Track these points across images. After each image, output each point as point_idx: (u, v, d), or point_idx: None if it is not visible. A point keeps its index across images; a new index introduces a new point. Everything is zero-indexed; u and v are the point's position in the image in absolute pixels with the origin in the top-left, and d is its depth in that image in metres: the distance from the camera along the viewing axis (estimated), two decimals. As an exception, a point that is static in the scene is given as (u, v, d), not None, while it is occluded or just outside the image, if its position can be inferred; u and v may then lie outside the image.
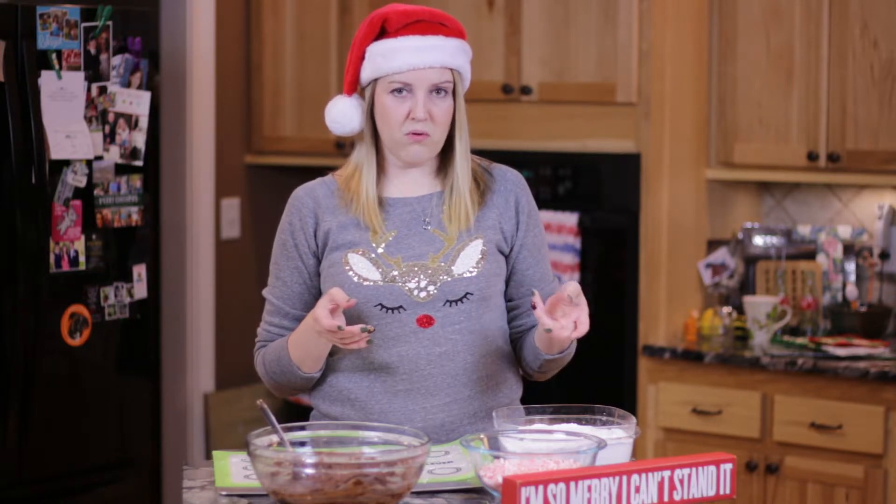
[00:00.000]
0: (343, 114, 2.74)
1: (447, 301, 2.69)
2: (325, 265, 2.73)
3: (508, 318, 2.81)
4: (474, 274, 2.70)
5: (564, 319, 2.54)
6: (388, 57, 2.67)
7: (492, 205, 2.77)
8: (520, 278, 2.79)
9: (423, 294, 2.68)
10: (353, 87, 2.74)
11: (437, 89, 2.68)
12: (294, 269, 2.76)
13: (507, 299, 2.81)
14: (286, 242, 2.77)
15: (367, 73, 2.71)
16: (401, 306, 2.68)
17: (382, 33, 2.69)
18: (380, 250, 2.70)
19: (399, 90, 2.67)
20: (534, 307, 2.56)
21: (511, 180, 2.80)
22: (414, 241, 2.71)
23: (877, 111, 4.41)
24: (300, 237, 2.75)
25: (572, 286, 2.54)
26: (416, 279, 2.68)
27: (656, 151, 4.52)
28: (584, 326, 2.54)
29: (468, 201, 2.73)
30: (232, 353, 5.28)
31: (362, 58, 2.71)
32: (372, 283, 2.68)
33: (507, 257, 2.78)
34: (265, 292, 2.81)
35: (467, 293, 2.69)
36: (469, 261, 2.71)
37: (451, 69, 2.69)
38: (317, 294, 2.76)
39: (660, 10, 4.49)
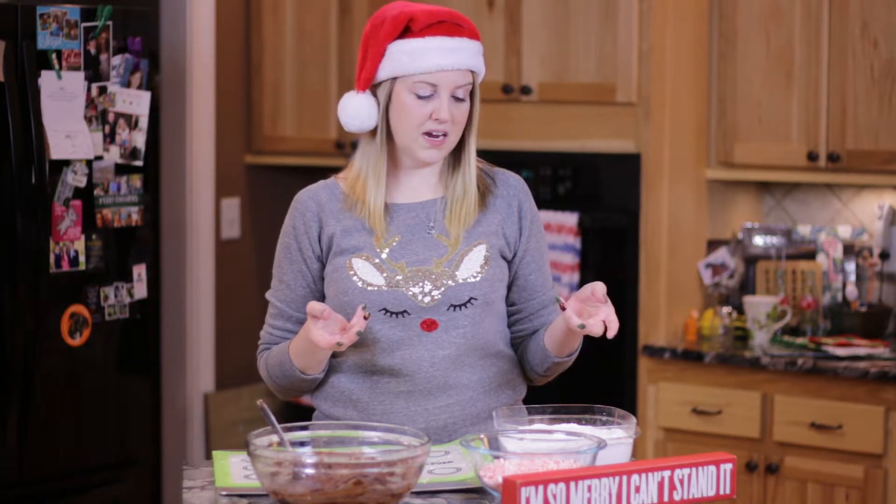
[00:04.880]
0: (360, 109, 2.71)
1: (451, 306, 2.68)
2: (330, 269, 2.73)
3: (509, 323, 2.81)
4: (478, 279, 2.70)
5: (593, 318, 2.55)
6: (416, 57, 2.65)
7: (494, 210, 2.77)
8: (522, 283, 2.80)
9: (427, 299, 2.68)
10: (368, 83, 2.72)
11: (458, 91, 2.68)
12: (298, 272, 2.76)
13: (509, 304, 2.81)
14: (290, 246, 2.76)
15: (386, 71, 2.69)
16: (405, 311, 2.67)
17: (406, 32, 2.68)
18: (384, 255, 2.70)
19: (423, 90, 2.66)
20: (563, 309, 2.56)
21: (514, 185, 2.80)
22: (418, 247, 2.71)
23: (877, 111, 4.41)
24: (304, 241, 2.75)
25: (600, 286, 2.54)
26: (420, 284, 2.68)
27: (656, 151, 4.52)
28: (614, 325, 2.55)
29: (472, 205, 2.73)
30: (232, 353, 5.28)
31: (382, 55, 2.70)
32: (376, 288, 2.68)
33: (509, 263, 2.78)
34: (268, 295, 2.81)
35: (471, 298, 2.69)
36: (473, 266, 2.71)
37: (472, 71, 2.69)
38: (320, 298, 2.76)
39: (660, 10, 4.50)
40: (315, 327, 2.56)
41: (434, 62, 2.65)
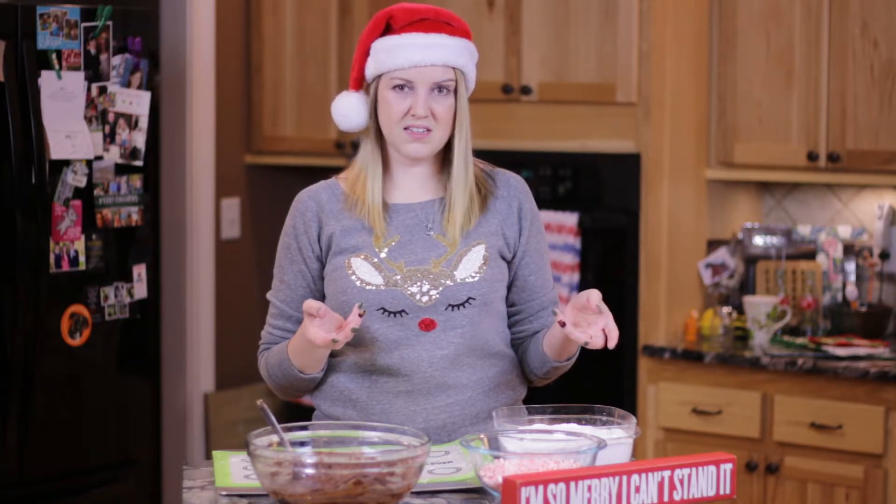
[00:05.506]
0: (350, 108, 2.74)
1: (449, 305, 2.68)
2: (329, 269, 2.73)
3: (509, 324, 2.81)
4: (476, 279, 2.70)
5: (592, 329, 2.54)
6: (392, 53, 2.67)
7: (494, 210, 2.77)
8: (522, 284, 2.79)
9: (425, 298, 2.68)
10: (359, 83, 2.75)
11: (439, 87, 2.68)
12: (298, 272, 2.76)
13: (509, 305, 2.81)
14: (290, 246, 2.77)
15: (371, 70, 2.71)
16: (403, 310, 2.67)
17: (387, 30, 2.70)
18: (382, 255, 2.70)
19: (401, 87, 2.68)
20: (562, 325, 2.55)
21: (514, 186, 2.80)
22: (416, 247, 2.72)
23: (877, 111, 4.41)
24: (304, 241, 2.75)
25: (595, 295, 2.53)
26: (419, 284, 2.68)
27: (656, 151, 4.52)
28: (614, 334, 2.53)
29: (468, 205, 2.73)
30: (232, 353, 5.28)
31: (367, 54, 2.71)
32: (374, 288, 2.68)
33: (509, 263, 2.78)
34: (269, 295, 2.81)
35: (469, 298, 2.69)
36: (471, 266, 2.71)
37: (454, 68, 2.69)
38: (321, 297, 2.76)
39: (660, 10, 4.50)
40: (311, 325, 2.57)
41: (407, 58, 2.67)
